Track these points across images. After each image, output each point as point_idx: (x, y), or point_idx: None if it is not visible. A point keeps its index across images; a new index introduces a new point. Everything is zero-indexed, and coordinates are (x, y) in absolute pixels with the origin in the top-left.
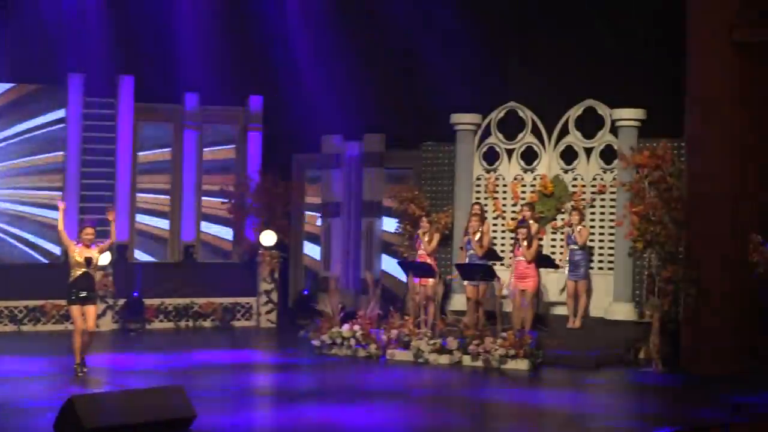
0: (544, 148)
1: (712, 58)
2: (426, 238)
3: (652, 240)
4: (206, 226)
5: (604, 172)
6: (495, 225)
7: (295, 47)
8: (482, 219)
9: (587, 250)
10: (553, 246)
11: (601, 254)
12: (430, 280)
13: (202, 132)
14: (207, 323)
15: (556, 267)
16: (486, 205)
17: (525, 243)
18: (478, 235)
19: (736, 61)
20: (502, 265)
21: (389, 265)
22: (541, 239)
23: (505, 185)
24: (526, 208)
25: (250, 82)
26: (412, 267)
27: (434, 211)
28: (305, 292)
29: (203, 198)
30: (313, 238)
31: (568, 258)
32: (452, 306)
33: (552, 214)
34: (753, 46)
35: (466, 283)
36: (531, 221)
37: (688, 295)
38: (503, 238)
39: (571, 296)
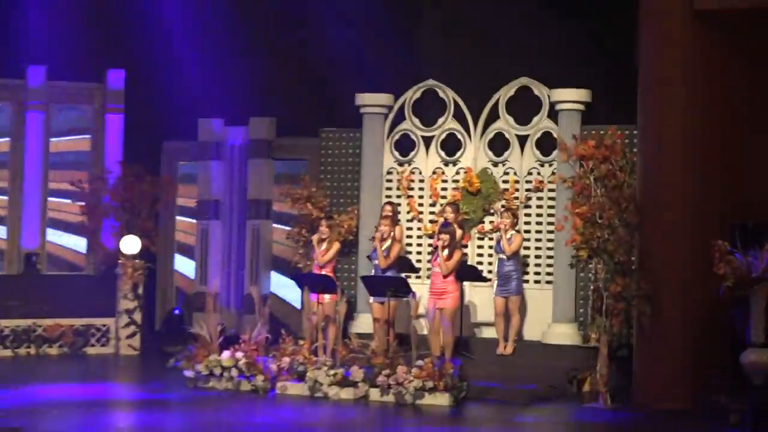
0: (469, 136)
1: (670, 30)
2: (322, 247)
3: (599, 247)
4: (53, 233)
5: (542, 166)
6: (410, 229)
7: (166, 11)
8: (394, 222)
9: (520, 260)
10: (480, 255)
11: (537, 265)
12: (328, 297)
13: (48, 115)
14: (53, 350)
15: (484, 280)
16: (399, 204)
17: (445, 252)
18: (386, 243)
19: (698, 34)
20: (419, 277)
21: (280, 278)
22: (465, 246)
23: (422, 181)
24: (448, 208)
25: (109, 53)
26: (308, 280)
27: (335, 212)
28: (176, 312)
29: (50, 198)
30: (187, 249)
31: (496, 270)
32: (357, 328)
33: (478, 216)
34: (718, 14)
35: (372, 300)
36: (454, 225)
37: (641, 314)
38: (419, 245)
39: (501, 316)
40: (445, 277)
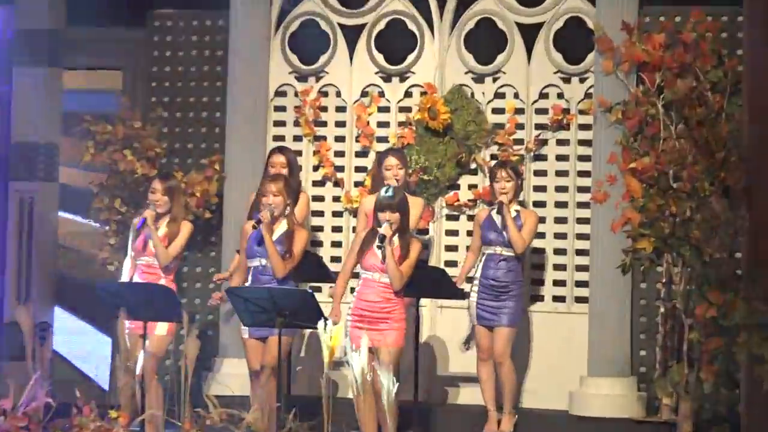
0: (430, 26)
1: None
2: (159, 231)
3: (675, 235)
4: None
5: (566, 82)
6: (319, 201)
7: None
8: (291, 189)
9: (525, 261)
10: (452, 249)
11: (559, 268)
12: (163, 328)
13: None
14: None
15: (459, 296)
16: (299, 154)
17: (391, 244)
18: (279, 227)
19: None
20: (330, 287)
21: (76, 296)
22: (424, 233)
23: (341, 109)
24: (392, 160)
25: None
26: (127, 296)
27: (178, 168)
28: None
29: None
30: None
31: (479, 276)
32: (217, 386)
33: (447, 174)
34: None
35: (246, 334)
36: (404, 193)
37: (755, 359)
38: (338, 229)
39: (488, 363)
40: (394, 291)
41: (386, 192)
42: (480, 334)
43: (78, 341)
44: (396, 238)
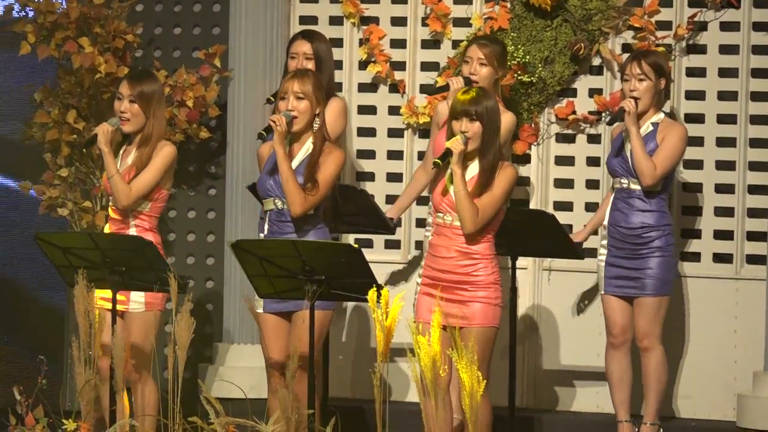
0: None
1: None
2: (129, 157)
3: None
4: None
5: None
6: (369, 112)
7: None
8: (319, 89)
9: (666, 200)
10: (567, 184)
11: (723, 212)
12: (141, 299)
13: None
14: None
15: (576, 254)
16: (339, 44)
17: (460, 165)
18: (304, 146)
19: None
20: (390, 246)
21: (12, 254)
22: (524, 162)
23: None
24: (476, 50)
25: None
26: (81, 251)
27: (162, 64)
28: None
29: None
30: None
31: (607, 225)
32: (221, 386)
33: (560, 74)
34: None
35: (262, 308)
36: (494, 97)
37: None
38: (396, 155)
39: (620, 348)
40: (470, 240)
41: (465, 92)
42: (609, 307)
43: (17, 319)
44: (476, 162)
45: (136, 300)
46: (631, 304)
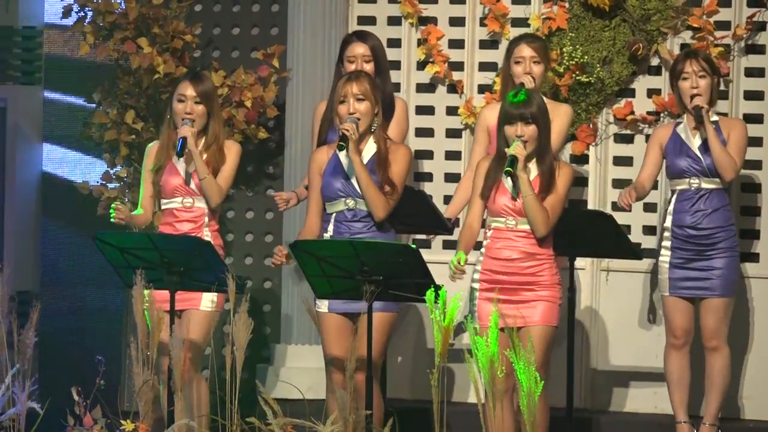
0: None
1: None
2: (196, 158)
3: None
4: None
5: None
6: (427, 112)
7: None
8: (377, 90)
9: (730, 198)
10: (625, 183)
11: None
12: (207, 301)
13: None
14: None
15: (635, 254)
16: (396, 44)
17: (526, 170)
18: (367, 147)
19: None
20: (449, 246)
21: (70, 255)
22: (583, 162)
23: None
24: (528, 49)
25: None
26: (142, 252)
27: (220, 64)
28: None
29: None
30: None
31: (669, 223)
32: (281, 387)
33: (618, 74)
34: None
35: (324, 307)
36: (543, 98)
37: None
38: (454, 155)
39: (681, 349)
40: (538, 242)
41: (515, 95)
42: (673, 309)
43: (73, 320)
44: (534, 164)
45: (209, 299)
46: (695, 305)
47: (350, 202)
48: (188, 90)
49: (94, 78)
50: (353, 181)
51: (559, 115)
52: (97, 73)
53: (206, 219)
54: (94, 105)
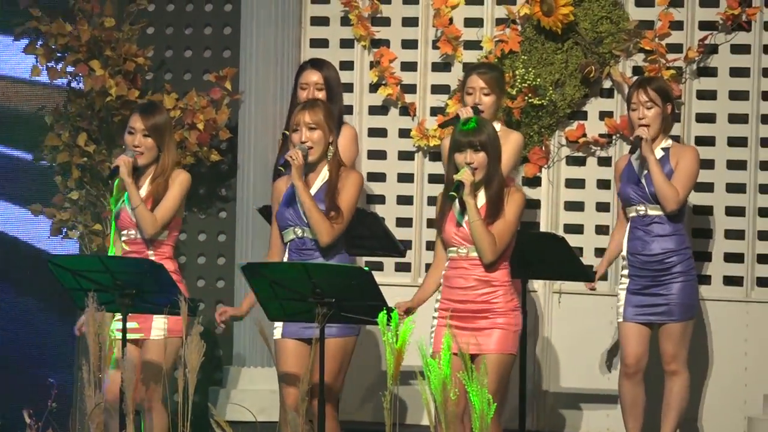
0: None
1: None
2: (144, 190)
3: None
4: None
5: None
6: (379, 134)
7: None
8: (331, 118)
9: (682, 223)
10: (577, 207)
11: (733, 235)
12: (163, 324)
13: None
14: None
15: (591, 276)
16: (349, 66)
17: (472, 196)
18: (320, 175)
19: None
20: (402, 268)
21: (21, 275)
22: (534, 184)
23: None
24: (478, 80)
25: None
26: (94, 275)
27: (173, 87)
28: None
29: None
30: None
31: (625, 251)
32: (233, 409)
33: (570, 97)
34: None
35: (279, 333)
36: (497, 124)
37: None
38: (406, 178)
39: (634, 376)
40: (489, 268)
41: (464, 123)
42: (627, 336)
43: (26, 340)
44: (482, 192)
45: (158, 327)
46: (653, 330)
47: (298, 231)
48: (137, 123)
49: (40, 129)
50: (300, 208)
51: (509, 141)
52: (41, 122)
53: (148, 249)
54: (43, 162)
